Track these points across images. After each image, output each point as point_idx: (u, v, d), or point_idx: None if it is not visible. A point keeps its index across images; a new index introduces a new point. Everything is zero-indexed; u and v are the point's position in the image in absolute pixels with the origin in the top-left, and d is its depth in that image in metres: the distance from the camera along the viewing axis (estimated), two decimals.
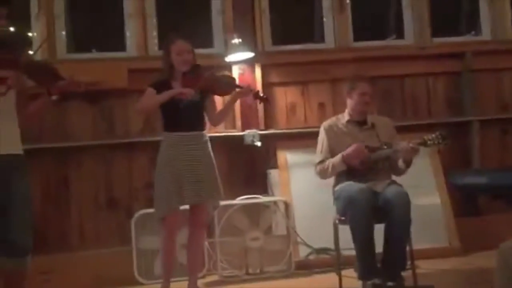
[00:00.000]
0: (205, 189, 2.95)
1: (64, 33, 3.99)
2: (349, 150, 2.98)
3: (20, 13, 3.83)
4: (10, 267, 2.34)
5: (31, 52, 3.06)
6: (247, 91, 3.07)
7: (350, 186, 2.95)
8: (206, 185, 2.95)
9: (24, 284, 2.44)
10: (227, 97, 3.21)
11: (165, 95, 2.88)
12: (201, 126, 3.01)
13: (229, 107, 3.15)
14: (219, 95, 3.13)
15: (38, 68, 2.41)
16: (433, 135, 2.94)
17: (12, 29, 2.39)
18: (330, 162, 3.07)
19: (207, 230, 3.55)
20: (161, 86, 2.97)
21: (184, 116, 2.93)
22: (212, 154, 3.05)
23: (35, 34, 3.89)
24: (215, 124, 3.15)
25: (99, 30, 4.25)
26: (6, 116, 2.35)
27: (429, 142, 2.94)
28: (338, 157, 3.03)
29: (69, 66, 3.56)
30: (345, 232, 2.92)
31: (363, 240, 2.83)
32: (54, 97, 2.44)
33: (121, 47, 4.07)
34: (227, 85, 3.04)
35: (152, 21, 4.10)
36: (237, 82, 3.14)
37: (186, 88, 2.89)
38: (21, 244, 2.33)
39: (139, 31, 4.03)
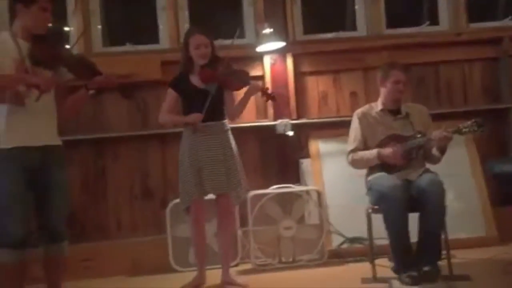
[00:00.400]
0: (225, 179, 2.97)
1: (99, 27, 4.08)
2: (386, 153, 2.95)
3: (57, 9, 3.93)
4: (51, 252, 2.45)
5: (68, 47, 3.15)
6: (256, 88, 3.09)
7: (383, 179, 2.92)
8: (225, 175, 2.98)
9: (65, 272, 2.55)
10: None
11: (177, 121, 3.11)
12: (219, 116, 3.03)
13: (242, 104, 3.12)
14: (232, 90, 3.11)
15: (78, 62, 2.49)
16: (468, 123, 2.88)
17: (50, 24, 2.48)
18: (365, 155, 3.04)
19: (238, 218, 3.62)
20: (180, 81, 3.06)
21: (200, 107, 2.95)
22: (233, 143, 3.07)
23: (71, 29, 3.99)
24: (231, 118, 3.14)
25: (133, 23, 4.32)
26: (45, 109, 2.44)
27: (464, 129, 2.88)
28: (373, 153, 3.00)
29: (105, 59, 3.66)
30: (378, 221, 2.91)
31: (397, 235, 2.83)
32: (91, 92, 2.53)
33: (154, 39, 4.14)
34: (239, 81, 3.05)
35: (184, 14, 4.15)
36: (249, 77, 3.11)
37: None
38: (59, 230, 2.44)
39: (171, 24, 4.08)
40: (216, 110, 3.01)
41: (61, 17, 3.96)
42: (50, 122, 2.48)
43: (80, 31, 3.88)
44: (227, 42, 3.39)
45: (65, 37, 3.87)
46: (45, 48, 2.38)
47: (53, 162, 2.43)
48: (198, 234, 3.11)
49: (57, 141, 2.50)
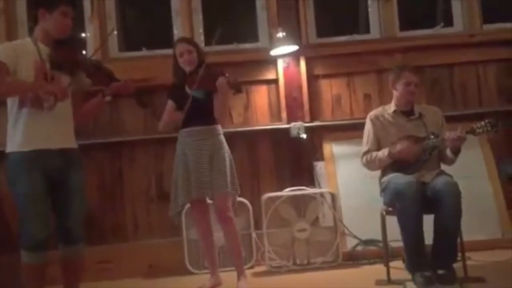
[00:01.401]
0: (210, 183, 2.95)
1: (115, 33, 4.14)
2: (398, 149, 2.96)
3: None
4: (67, 254, 2.49)
5: (84, 52, 3.22)
6: (223, 82, 2.86)
7: (397, 178, 2.93)
8: (211, 179, 2.95)
9: (82, 273, 2.60)
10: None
11: (166, 119, 3.12)
12: (208, 120, 3.01)
13: (220, 103, 2.99)
14: (213, 91, 2.95)
15: (96, 68, 2.54)
16: (482, 123, 2.88)
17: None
18: (377, 155, 3.06)
19: (252, 221, 3.64)
20: (175, 91, 3.11)
21: (187, 112, 2.97)
22: (225, 147, 3.03)
23: (88, 35, 4.07)
24: (219, 121, 3.07)
25: (148, 28, 4.39)
26: (63, 113, 2.50)
27: (477, 130, 2.88)
28: (384, 153, 3.02)
29: (121, 64, 3.72)
30: (393, 223, 2.91)
31: (412, 233, 2.81)
32: (107, 98, 2.58)
33: (170, 44, 4.18)
34: (213, 80, 2.91)
35: (198, 18, 4.20)
36: (220, 73, 2.91)
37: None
38: (76, 232, 2.48)
39: (186, 28, 4.12)
40: (204, 115, 3.00)
41: (78, 24, 4.04)
42: (68, 126, 2.53)
43: (97, 37, 3.95)
44: (242, 46, 3.41)
45: (83, 43, 3.96)
46: (65, 53, 2.45)
47: (71, 165, 2.48)
48: (202, 236, 3.16)
49: (74, 144, 2.56)
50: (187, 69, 3.05)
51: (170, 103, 3.15)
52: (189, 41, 3.16)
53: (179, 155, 3.05)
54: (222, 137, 3.08)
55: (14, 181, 2.39)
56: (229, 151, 3.09)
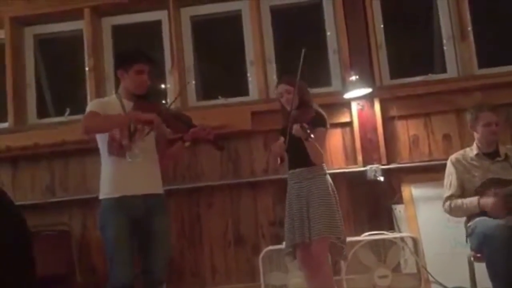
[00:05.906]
0: (307, 227, 2.84)
1: (194, 82, 4.36)
2: (487, 203, 2.83)
3: (156, 69, 4.25)
4: None
5: (164, 102, 3.39)
6: (297, 127, 2.77)
7: (485, 221, 2.78)
8: (307, 223, 2.85)
9: None
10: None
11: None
12: (303, 162, 2.92)
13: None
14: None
15: (175, 118, 2.68)
16: None
17: (150, 83, 2.71)
18: (464, 204, 2.92)
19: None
20: (284, 131, 2.96)
21: (289, 154, 2.94)
22: (321, 189, 2.90)
23: (168, 86, 4.30)
24: (315, 162, 2.95)
25: (224, 78, 4.57)
26: (150, 158, 2.64)
27: None
28: (474, 203, 2.88)
29: (199, 112, 3.89)
30: (482, 269, 2.74)
31: (503, 281, 2.62)
32: (187, 144, 2.70)
33: (245, 92, 4.33)
34: (294, 123, 2.82)
35: (272, 66, 4.31)
36: None
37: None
38: (157, 276, 2.57)
39: (260, 76, 4.24)
40: (301, 157, 2.92)
41: (160, 76, 4.30)
42: (153, 172, 2.67)
43: (177, 87, 4.17)
44: (315, 91, 3.42)
45: (163, 95, 4.20)
46: (146, 107, 2.60)
47: (155, 211, 2.60)
48: (306, 281, 3.03)
49: (159, 190, 2.68)
50: (288, 108, 2.97)
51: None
52: (289, 81, 3.01)
53: (287, 197, 3.02)
54: (322, 178, 2.93)
55: (103, 226, 2.55)
56: (330, 192, 2.92)
